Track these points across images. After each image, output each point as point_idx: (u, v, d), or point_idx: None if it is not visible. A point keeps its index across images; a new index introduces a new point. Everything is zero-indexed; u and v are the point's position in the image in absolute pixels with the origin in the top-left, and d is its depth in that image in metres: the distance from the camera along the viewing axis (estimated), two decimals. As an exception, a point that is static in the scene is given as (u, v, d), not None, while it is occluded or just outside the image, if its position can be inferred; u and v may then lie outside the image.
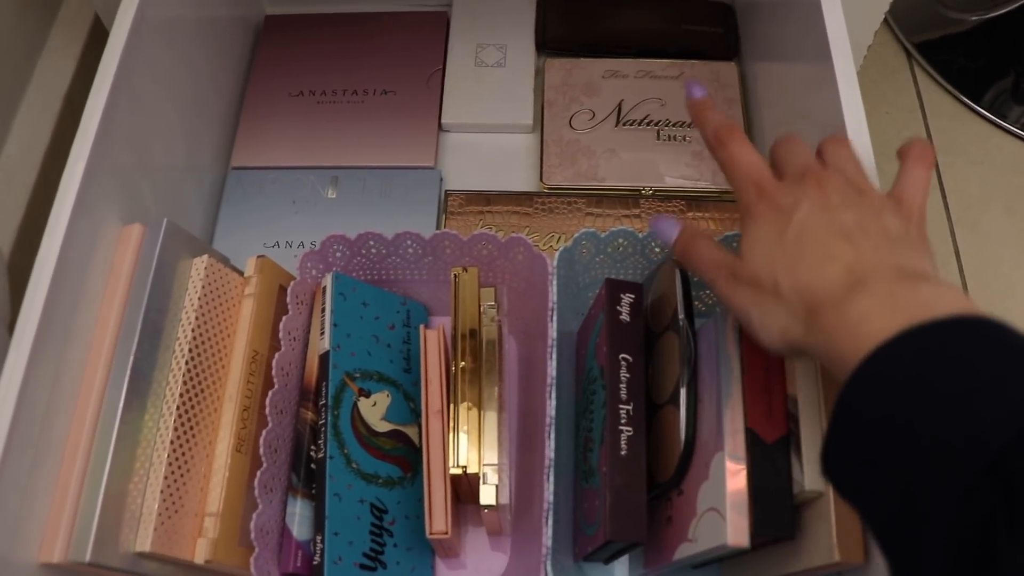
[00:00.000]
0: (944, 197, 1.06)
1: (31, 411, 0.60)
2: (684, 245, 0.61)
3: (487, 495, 0.69)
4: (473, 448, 0.69)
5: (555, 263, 0.74)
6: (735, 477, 0.61)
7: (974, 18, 1.23)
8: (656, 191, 0.93)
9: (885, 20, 1.15)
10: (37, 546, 0.62)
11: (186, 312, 0.71)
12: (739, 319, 0.57)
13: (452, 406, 0.71)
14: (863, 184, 0.55)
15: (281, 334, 0.72)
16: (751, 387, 0.64)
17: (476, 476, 0.69)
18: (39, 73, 1.04)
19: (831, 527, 0.58)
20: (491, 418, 0.71)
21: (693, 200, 0.93)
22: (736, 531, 0.60)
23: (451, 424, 0.70)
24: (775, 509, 0.61)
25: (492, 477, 0.69)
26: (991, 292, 0.99)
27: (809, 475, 0.60)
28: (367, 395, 0.75)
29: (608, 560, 0.75)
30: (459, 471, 0.69)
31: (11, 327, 0.68)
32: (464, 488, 0.72)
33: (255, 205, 0.94)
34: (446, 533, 0.69)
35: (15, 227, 0.92)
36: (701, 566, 0.74)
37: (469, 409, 0.70)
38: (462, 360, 0.72)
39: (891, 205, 0.54)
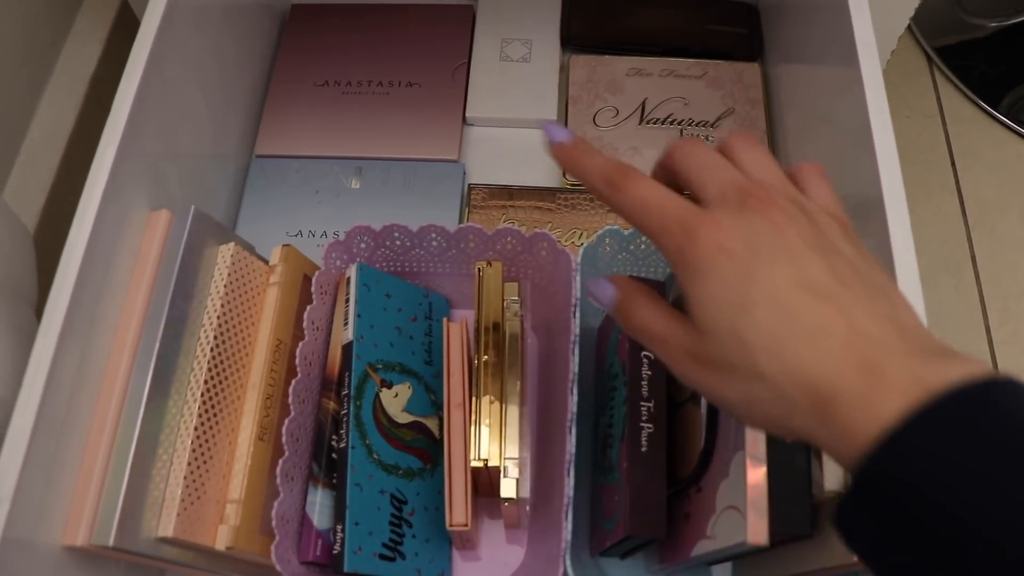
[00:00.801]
0: (961, 202, 1.06)
1: (57, 395, 0.60)
2: (624, 314, 0.48)
3: (508, 488, 0.69)
4: (495, 441, 0.70)
5: (579, 259, 0.74)
6: (755, 476, 0.61)
7: (994, 24, 1.23)
8: (678, 190, 0.93)
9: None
10: (61, 529, 0.62)
11: (211, 299, 0.71)
12: (712, 402, 0.46)
13: (474, 399, 0.71)
14: (797, 195, 0.46)
15: (305, 323, 0.72)
16: (773, 386, 0.64)
17: (497, 469, 0.69)
18: (64, 57, 1.04)
19: None
20: (513, 412, 0.71)
21: (715, 199, 0.92)
22: (755, 530, 0.60)
23: (473, 417, 0.70)
24: (794, 508, 0.61)
25: (513, 471, 0.69)
26: (1007, 297, 0.99)
27: (829, 475, 0.60)
28: (389, 386, 0.75)
29: (625, 555, 0.75)
30: (480, 464, 0.69)
31: (37, 307, 0.68)
32: (484, 481, 0.72)
33: (278, 194, 0.94)
34: (466, 525, 0.69)
35: (38, 210, 0.93)
36: (715, 562, 0.75)
37: (491, 403, 0.71)
38: (485, 354, 0.72)
39: (837, 227, 0.44)
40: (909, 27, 1.20)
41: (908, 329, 0.40)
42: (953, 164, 1.09)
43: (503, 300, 0.75)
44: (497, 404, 0.71)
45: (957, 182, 1.07)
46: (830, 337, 0.39)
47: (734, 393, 0.42)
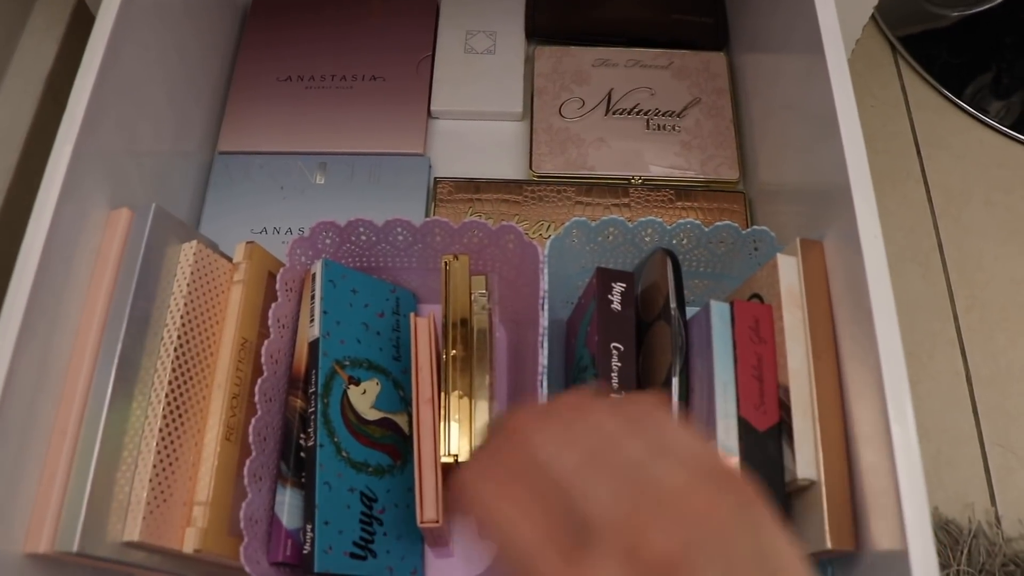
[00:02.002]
0: (927, 190, 1.06)
1: (17, 399, 0.59)
2: None
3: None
4: (464, 437, 0.69)
5: (546, 252, 0.73)
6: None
7: (955, 13, 1.23)
8: (645, 180, 0.93)
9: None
10: (23, 536, 0.60)
11: (174, 299, 0.70)
12: None
13: (443, 394, 0.70)
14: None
15: (270, 321, 0.71)
16: (743, 376, 0.64)
17: (467, 465, 0.69)
18: (19, 55, 1.02)
19: (823, 515, 0.59)
20: (483, 407, 0.70)
21: (682, 189, 0.93)
22: None
23: (442, 412, 0.70)
24: (767, 497, 0.61)
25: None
26: (973, 284, 1.00)
27: (801, 463, 0.60)
28: (357, 383, 0.74)
29: (598, 549, 0.75)
30: (451, 459, 0.68)
31: None
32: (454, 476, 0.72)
33: (242, 190, 0.93)
34: (437, 522, 0.68)
35: None
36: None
37: (460, 398, 0.70)
38: (453, 348, 0.72)
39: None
40: (873, 16, 1.20)
41: None
42: (919, 152, 1.09)
43: (470, 294, 0.74)
44: (466, 399, 0.70)
45: (923, 170, 1.08)
46: None
47: None
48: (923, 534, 0.52)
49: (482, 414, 0.70)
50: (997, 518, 0.87)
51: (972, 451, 0.91)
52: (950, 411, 0.92)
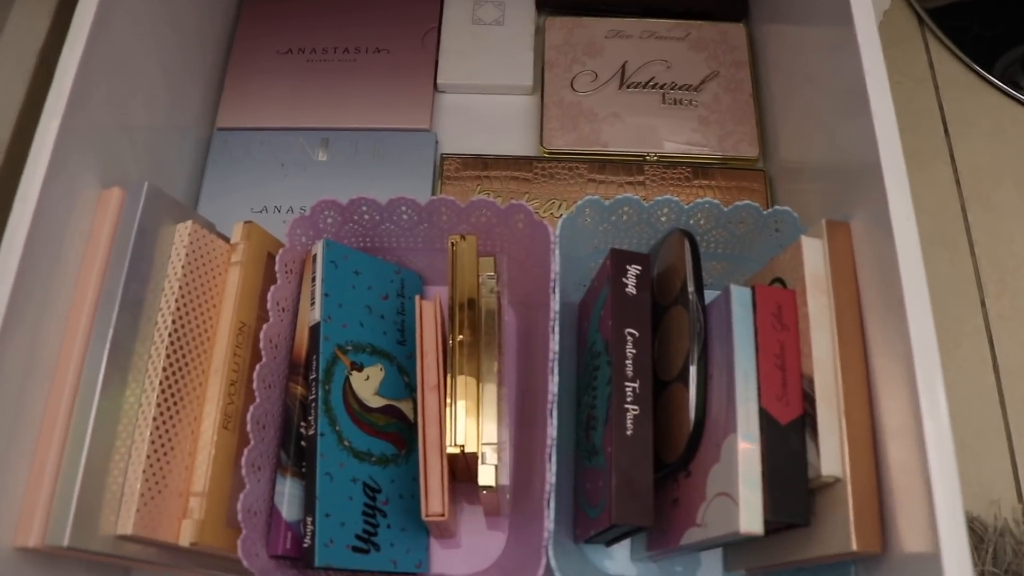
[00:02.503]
0: (955, 171, 1.03)
1: (5, 388, 0.57)
2: None
3: (486, 476, 0.66)
4: (471, 426, 0.66)
5: (558, 232, 0.70)
6: (748, 461, 0.58)
7: (988, -17, 1.19)
8: (661, 157, 0.90)
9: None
10: (12, 529, 0.59)
11: (169, 281, 0.67)
12: None
13: (449, 381, 0.67)
14: None
15: (269, 304, 0.69)
16: (765, 365, 0.61)
17: (474, 456, 0.66)
18: (10, 29, 0.99)
19: (848, 514, 0.56)
20: (490, 394, 0.68)
21: (699, 167, 0.89)
22: (749, 518, 0.57)
23: (448, 401, 0.67)
24: (790, 495, 0.59)
25: (491, 457, 0.66)
26: (1003, 269, 0.96)
27: (826, 459, 0.58)
28: (359, 369, 0.71)
29: (610, 543, 0.72)
30: (457, 450, 0.66)
31: None
32: (461, 466, 0.69)
33: (242, 168, 0.90)
34: (443, 515, 0.66)
35: None
36: (705, 548, 0.72)
37: (467, 385, 0.67)
38: (460, 333, 0.69)
39: None
40: None
41: None
42: (946, 132, 1.05)
43: (478, 276, 0.71)
44: (473, 386, 0.67)
45: (951, 150, 1.04)
46: None
47: None
48: (957, 536, 0.49)
49: (490, 402, 0.67)
50: (1024, 515, 0.85)
51: (999, 445, 0.88)
52: (976, 402, 0.89)
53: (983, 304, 0.94)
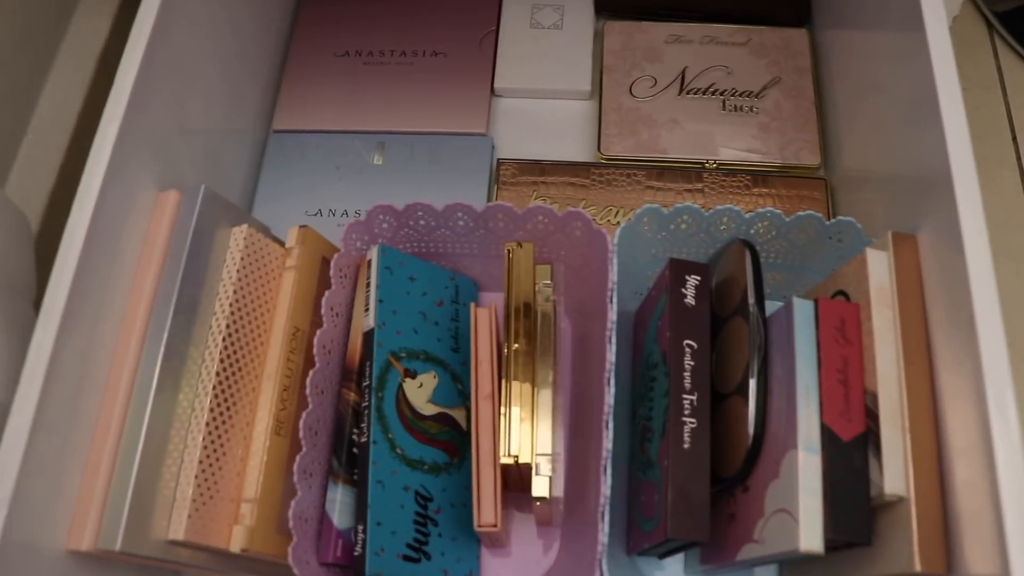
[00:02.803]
0: (1023, 180, 1.00)
1: (59, 390, 0.57)
2: None
3: (540, 487, 0.65)
4: (526, 436, 0.65)
5: (616, 241, 0.69)
6: (809, 477, 0.57)
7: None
8: (720, 164, 0.89)
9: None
10: (65, 532, 0.59)
11: (224, 285, 0.67)
12: None
13: (504, 391, 0.66)
14: None
15: (323, 309, 0.68)
16: (827, 381, 0.60)
17: (528, 466, 0.65)
18: (72, 32, 1.01)
19: (912, 534, 0.55)
20: (545, 404, 0.67)
21: (759, 175, 0.88)
22: (809, 536, 0.56)
23: (503, 410, 0.66)
24: (851, 513, 0.58)
25: (545, 468, 0.65)
26: None
27: (889, 477, 0.57)
28: (413, 376, 0.71)
29: (663, 556, 0.71)
30: (511, 461, 0.65)
31: (37, 303, 0.65)
32: (514, 475, 0.68)
33: (297, 170, 0.90)
34: (495, 526, 0.65)
35: (47, 192, 0.89)
36: (761, 564, 0.71)
37: (522, 394, 0.66)
38: (515, 342, 0.68)
39: None
40: None
41: None
42: (1014, 139, 1.03)
43: (535, 283, 0.70)
44: (528, 396, 0.66)
45: (1019, 159, 1.02)
46: None
47: None
48: None
49: (545, 412, 0.66)
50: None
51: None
52: None
53: (1050, 318, 0.92)
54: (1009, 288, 0.93)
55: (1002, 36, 1.08)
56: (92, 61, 0.98)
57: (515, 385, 0.67)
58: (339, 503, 0.66)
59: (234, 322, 0.66)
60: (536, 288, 0.71)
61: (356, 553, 0.65)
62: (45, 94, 0.96)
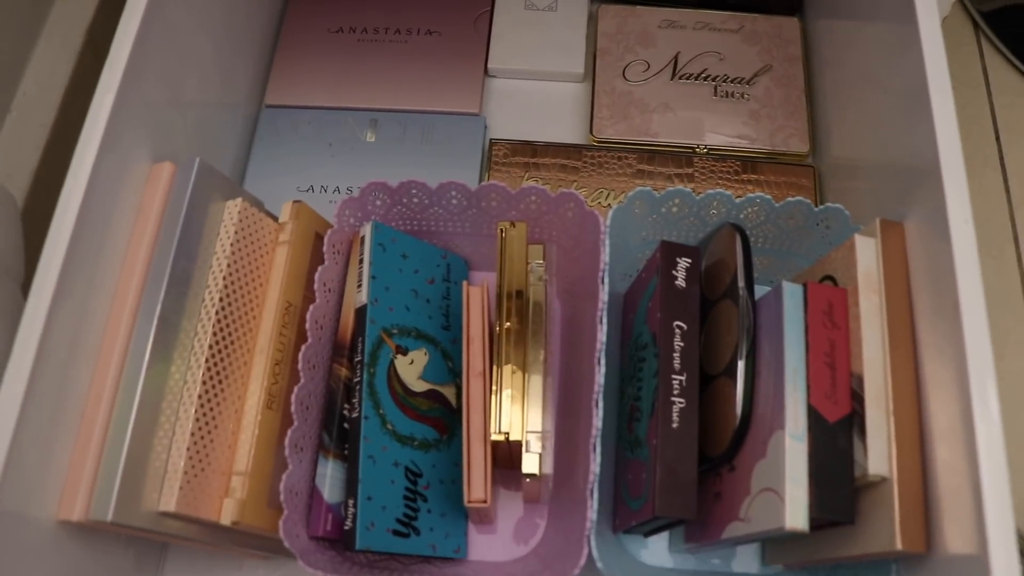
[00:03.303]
0: (1005, 179, 1.01)
1: (51, 360, 0.57)
2: None
3: (530, 464, 0.65)
4: (516, 414, 0.66)
5: (608, 222, 0.70)
6: (795, 457, 0.58)
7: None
8: (711, 150, 0.89)
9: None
10: (56, 503, 0.59)
11: (217, 258, 0.67)
12: None
13: (495, 369, 0.67)
14: None
15: (316, 285, 0.69)
16: (815, 363, 0.61)
17: (518, 443, 0.66)
18: (59, 6, 0.99)
19: (894, 513, 0.56)
20: (536, 383, 0.67)
21: (748, 161, 0.89)
22: (795, 514, 0.57)
23: (494, 388, 0.67)
24: (836, 492, 0.59)
25: (535, 445, 0.66)
26: None
27: (873, 458, 0.58)
28: (404, 353, 0.71)
29: (649, 534, 0.72)
30: (501, 437, 0.65)
31: (26, 285, 0.65)
32: (503, 453, 0.69)
33: (290, 146, 0.90)
34: (485, 502, 0.66)
35: (31, 170, 0.88)
36: (746, 543, 0.72)
37: (513, 373, 0.67)
38: (507, 321, 0.68)
39: None
40: None
41: None
42: (997, 138, 1.04)
43: (527, 263, 0.71)
44: (519, 374, 0.67)
45: (1001, 158, 1.03)
46: None
47: None
48: (1006, 539, 0.49)
49: (535, 390, 0.67)
50: (1073, 531, 0.84)
51: (1044, 457, 0.87)
52: (1021, 414, 0.88)
53: (1030, 316, 0.93)
54: (990, 284, 0.94)
55: (988, 37, 1.09)
56: (79, 37, 0.96)
57: (506, 364, 0.68)
58: (329, 478, 0.67)
59: (227, 295, 0.66)
60: (528, 268, 0.71)
61: (346, 527, 0.65)
62: (30, 69, 0.95)
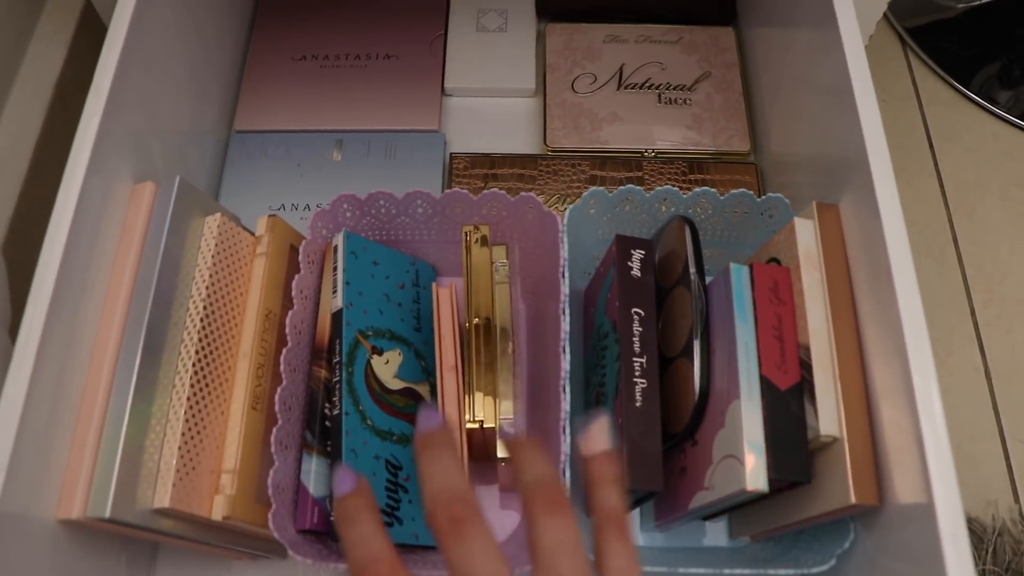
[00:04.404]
0: (941, 184, 1.06)
1: (48, 366, 0.60)
2: None
3: (504, 449, 0.69)
4: (489, 404, 0.70)
5: (565, 221, 0.74)
6: (751, 423, 0.62)
7: (961, 5, 1.23)
8: (658, 153, 0.94)
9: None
10: (55, 502, 0.61)
11: (199, 270, 0.70)
12: None
13: (467, 362, 0.71)
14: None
15: (294, 292, 0.72)
16: (764, 337, 0.65)
17: (492, 431, 0.69)
18: (28, 62, 1.00)
19: (847, 470, 0.59)
20: (506, 374, 0.71)
21: (694, 162, 0.93)
22: (754, 476, 0.60)
23: (466, 379, 0.70)
24: (792, 454, 0.62)
25: (509, 430, 0.69)
26: (990, 279, 1.00)
27: (824, 420, 0.61)
28: (380, 353, 0.75)
29: (619, 513, 0.75)
30: (475, 425, 0.69)
31: (12, 330, 0.66)
32: (478, 444, 0.72)
33: (259, 168, 0.94)
34: (462, 487, 0.69)
35: (7, 220, 0.89)
36: (712, 516, 0.75)
37: (484, 365, 0.71)
38: (475, 317, 0.72)
39: None
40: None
41: None
42: (931, 147, 1.08)
43: (491, 263, 0.75)
44: (490, 366, 0.71)
45: (936, 165, 1.07)
46: None
47: None
48: (948, 486, 0.53)
49: (506, 380, 0.71)
50: (1021, 515, 0.87)
51: (993, 448, 0.91)
52: (970, 407, 0.92)
53: (972, 312, 0.97)
54: (931, 285, 0.99)
55: (915, 51, 1.15)
56: (48, 90, 0.98)
57: (477, 357, 0.71)
58: (314, 473, 0.70)
59: (210, 304, 0.69)
60: (493, 267, 0.75)
61: (332, 518, 0.68)
62: (3, 123, 0.96)
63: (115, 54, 0.68)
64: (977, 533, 0.85)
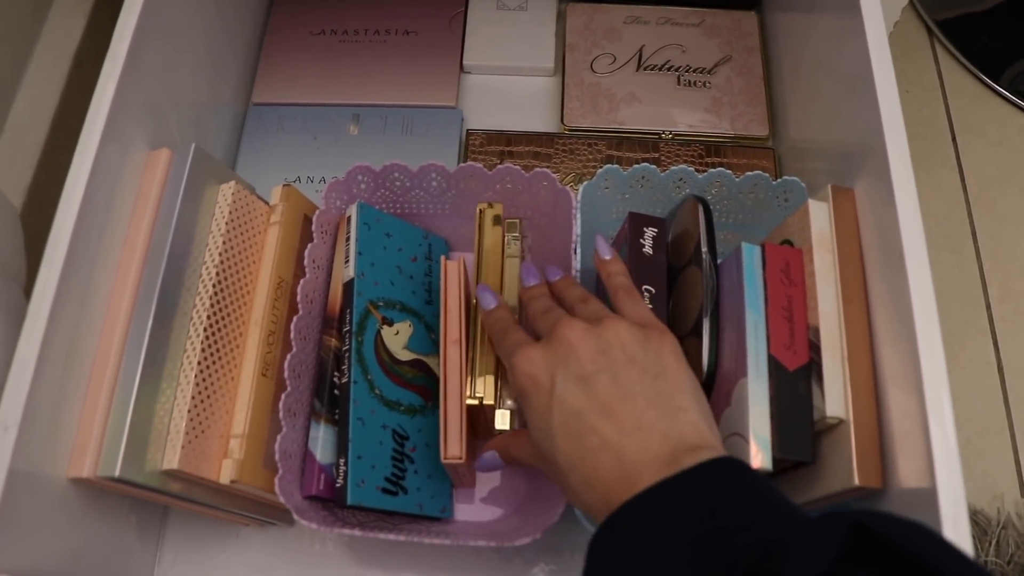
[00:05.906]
0: (962, 178, 1.05)
1: (61, 325, 0.60)
2: (506, 459, 0.65)
3: (502, 420, 0.69)
4: (491, 379, 0.70)
5: (579, 198, 0.74)
6: (758, 402, 0.62)
7: (993, -2, 1.21)
8: (675, 135, 0.94)
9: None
10: (67, 461, 0.62)
11: (213, 237, 0.71)
12: None
13: (471, 339, 0.71)
14: (601, 317, 0.58)
15: (306, 262, 0.72)
16: (774, 317, 0.65)
17: (492, 407, 0.69)
18: (48, 31, 1.01)
19: (851, 452, 0.59)
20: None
21: (712, 145, 0.93)
22: (760, 454, 0.60)
23: (469, 354, 0.71)
24: (797, 434, 0.62)
25: (509, 402, 0.69)
26: (1007, 275, 0.99)
27: (830, 402, 0.61)
28: (390, 324, 0.75)
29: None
30: (475, 401, 0.69)
31: (27, 287, 0.67)
32: (481, 421, 0.73)
33: (276, 141, 0.94)
34: (460, 458, 0.69)
35: (25, 187, 0.91)
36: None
37: (488, 340, 0.71)
38: (485, 291, 0.72)
39: (634, 341, 0.56)
40: (911, 0, 1.18)
41: (671, 434, 0.52)
42: (954, 139, 1.07)
43: (504, 237, 0.75)
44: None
45: (958, 158, 1.06)
46: (606, 455, 0.52)
47: (558, 485, 0.58)
48: (952, 471, 0.52)
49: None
50: (1027, 509, 0.87)
51: (1003, 442, 0.90)
52: (981, 401, 0.92)
53: (988, 307, 0.97)
54: (948, 278, 0.99)
55: (942, 42, 1.14)
56: (67, 60, 0.99)
57: (481, 335, 0.71)
58: (321, 440, 0.70)
59: (223, 271, 0.70)
60: (505, 241, 0.75)
61: (338, 485, 0.69)
62: (22, 91, 0.97)
63: (132, 22, 0.68)
64: (981, 525, 0.85)
